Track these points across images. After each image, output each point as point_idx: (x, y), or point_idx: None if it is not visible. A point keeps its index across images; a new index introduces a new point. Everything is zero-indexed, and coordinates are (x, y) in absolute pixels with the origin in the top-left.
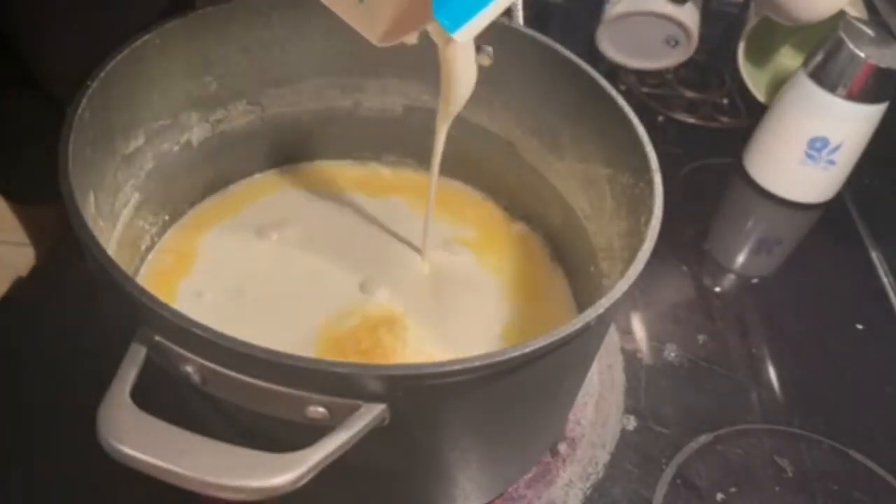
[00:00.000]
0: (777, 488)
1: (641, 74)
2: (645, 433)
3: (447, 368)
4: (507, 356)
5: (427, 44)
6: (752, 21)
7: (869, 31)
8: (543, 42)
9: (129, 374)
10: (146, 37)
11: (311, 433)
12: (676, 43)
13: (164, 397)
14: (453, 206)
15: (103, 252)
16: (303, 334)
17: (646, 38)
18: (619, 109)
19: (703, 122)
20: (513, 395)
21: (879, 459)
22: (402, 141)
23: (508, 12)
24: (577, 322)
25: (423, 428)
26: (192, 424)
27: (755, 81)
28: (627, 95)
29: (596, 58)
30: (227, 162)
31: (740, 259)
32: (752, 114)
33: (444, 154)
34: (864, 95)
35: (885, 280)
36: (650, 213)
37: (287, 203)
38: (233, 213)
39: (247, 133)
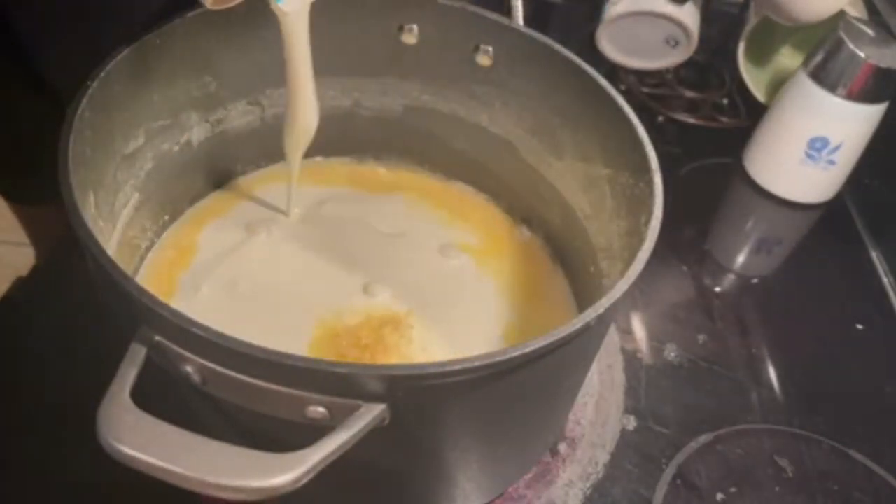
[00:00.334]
0: (777, 488)
1: (641, 74)
2: (645, 433)
3: (447, 368)
4: (507, 356)
5: (427, 44)
6: (752, 21)
7: (869, 31)
8: (543, 42)
9: (129, 374)
10: (146, 37)
11: (311, 433)
12: (676, 43)
13: (164, 397)
14: (456, 209)
15: (103, 252)
16: (300, 329)
17: (646, 38)
18: (619, 109)
19: (703, 122)
20: (513, 395)
21: (879, 459)
22: (402, 141)
23: (508, 12)
24: (577, 322)
25: (423, 428)
26: (192, 424)
27: (755, 81)
28: (627, 95)
29: (596, 58)
30: (227, 162)
31: (740, 259)
32: (752, 114)
33: (446, 154)
34: (864, 95)
35: (885, 280)
36: (650, 213)
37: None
38: (233, 209)
39: (247, 133)
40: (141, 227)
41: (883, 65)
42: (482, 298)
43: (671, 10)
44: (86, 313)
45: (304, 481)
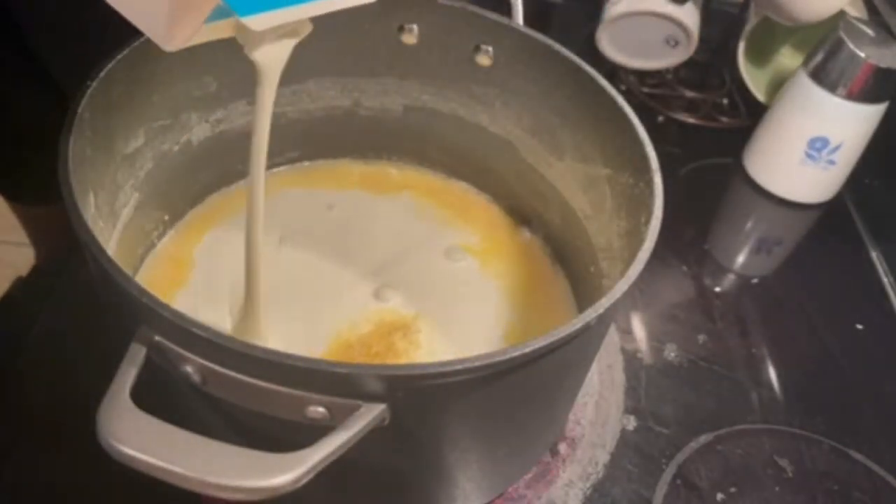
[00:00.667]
0: (777, 488)
1: (641, 74)
2: (645, 433)
3: (447, 368)
4: (507, 356)
5: (427, 44)
6: (752, 21)
7: (869, 31)
8: (543, 42)
9: (129, 374)
10: (146, 37)
11: (311, 433)
12: (676, 43)
13: (164, 397)
14: (459, 209)
15: (103, 252)
16: (312, 340)
17: (646, 38)
18: (619, 109)
19: (703, 122)
20: (513, 395)
21: (879, 459)
22: (402, 141)
23: (508, 12)
24: (577, 322)
25: (423, 428)
26: (192, 424)
27: (755, 81)
28: (627, 95)
29: (596, 58)
30: (227, 162)
31: (740, 259)
32: (752, 114)
33: (446, 155)
34: (864, 95)
35: (885, 280)
36: (650, 213)
37: (289, 202)
38: (234, 213)
39: (247, 133)
40: (141, 227)
41: (883, 65)
42: (485, 300)
43: (671, 10)
44: (86, 313)
45: (304, 481)
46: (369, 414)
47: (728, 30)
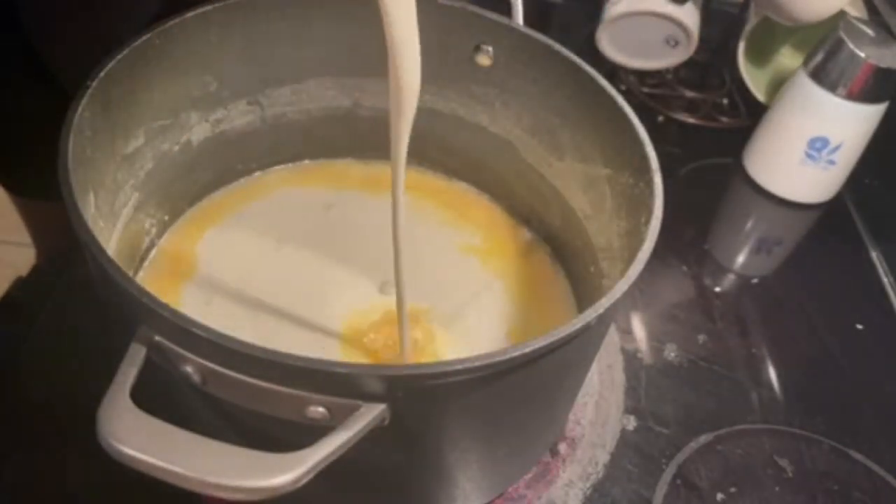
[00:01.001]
0: (777, 488)
1: (641, 74)
2: (645, 433)
3: (447, 368)
4: (507, 356)
5: (427, 44)
6: (752, 21)
7: (869, 31)
8: (543, 42)
9: (129, 374)
10: (146, 37)
11: (311, 433)
12: (676, 43)
13: (164, 397)
14: (460, 209)
15: (103, 252)
16: (328, 332)
17: (646, 38)
18: (619, 109)
19: (703, 122)
20: (513, 395)
21: (879, 459)
22: None
23: (508, 12)
24: (577, 322)
25: (423, 428)
26: (192, 424)
27: (755, 81)
28: (627, 95)
29: (596, 58)
30: (228, 162)
31: (740, 259)
32: (752, 114)
33: (446, 154)
34: (864, 95)
35: (885, 280)
36: (650, 213)
37: (288, 202)
38: (234, 212)
39: (247, 133)
40: (141, 226)
41: (883, 65)
42: (488, 298)
43: (671, 10)
44: (86, 313)
45: (304, 481)
46: (369, 414)
47: (728, 30)
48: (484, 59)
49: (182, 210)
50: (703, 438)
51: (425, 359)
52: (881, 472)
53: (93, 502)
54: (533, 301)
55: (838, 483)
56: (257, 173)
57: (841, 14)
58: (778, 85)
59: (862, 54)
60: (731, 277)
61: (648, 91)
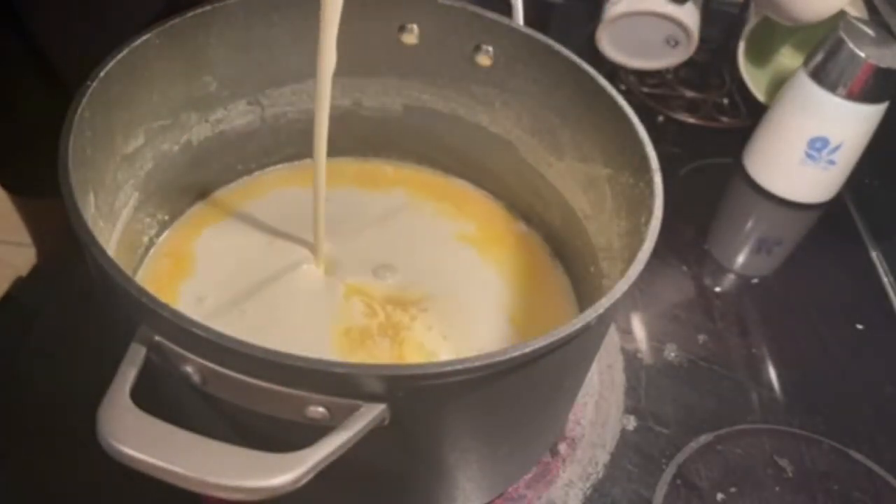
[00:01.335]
0: (777, 488)
1: (641, 74)
2: (645, 433)
3: (447, 368)
4: (507, 356)
5: (427, 44)
6: (752, 21)
7: (869, 31)
8: (543, 42)
9: (129, 374)
10: (146, 37)
11: (311, 433)
12: (676, 43)
13: (164, 397)
14: (458, 203)
15: (103, 252)
16: (322, 321)
17: (646, 38)
18: (619, 109)
19: (703, 122)
20: (513, 395)
21: (879, 459)
22: (402, 141)
23: (508, 12)
24: (577, 322)
25: (423, 428)
26: (192, 424)
27: (755, 81)
28: (627, 95)
29: (596, 58)
30: (227, 161)
31: (740, 259)
32: (752, 114)
33: (446, 154)
34: (864, 95)
35: (885, 280)
36: (650, 213)
37: (284, 201)
38: (233, 211)
39: (246, 133)
40: (141, 226)
41: (883, 65)
42: (486, 286)
43: (671, 10)
44: (86, 313)
45: (304, 481)
46: (369, 414)
47: (728, 30)
48: (484, 59)
49: (182, 209)
50: (703, 438)
51: (424, 346)
52: (881, 472)
53: (93, 502)
54: (534, 290)
55: (838, 483)
56: (257, 173)
57: (841, 14)
58: (778, 85)
59: (862, 54)
60: (731, 277)
61: (648, 91)
